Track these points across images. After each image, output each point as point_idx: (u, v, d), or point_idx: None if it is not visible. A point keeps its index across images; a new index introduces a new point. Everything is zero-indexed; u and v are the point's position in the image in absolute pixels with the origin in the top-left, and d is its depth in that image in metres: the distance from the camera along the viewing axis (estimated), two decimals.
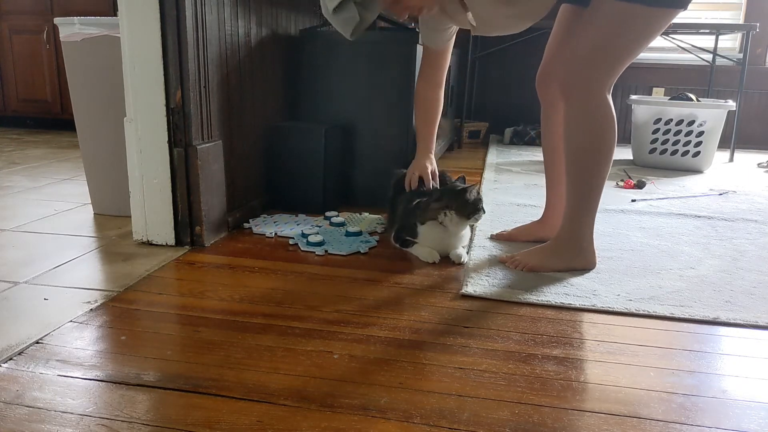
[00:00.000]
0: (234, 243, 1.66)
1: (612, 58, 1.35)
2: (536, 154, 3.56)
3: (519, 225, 1.80)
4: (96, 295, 1.28)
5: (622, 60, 1.36)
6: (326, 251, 1.60)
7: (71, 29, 1.78)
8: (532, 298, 1.31)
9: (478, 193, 1.57)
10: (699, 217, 2.09)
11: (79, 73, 1.82)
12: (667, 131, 3.09)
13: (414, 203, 1.60)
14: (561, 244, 1.49)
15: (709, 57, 3.94)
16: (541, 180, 2.71)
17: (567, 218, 1.48)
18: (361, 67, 2.06)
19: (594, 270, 1.50)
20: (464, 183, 1.61)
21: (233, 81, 1.76)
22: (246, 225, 1.81)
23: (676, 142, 3.09)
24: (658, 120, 3.09)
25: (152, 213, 1.60)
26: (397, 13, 1.38)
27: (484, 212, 1.58)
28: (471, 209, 1.54)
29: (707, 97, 3.83)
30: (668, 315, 1.25)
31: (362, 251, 1.61)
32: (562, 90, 1.42)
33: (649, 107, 3.11)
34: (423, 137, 1.76)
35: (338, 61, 2.08)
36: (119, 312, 1.20)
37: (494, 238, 1.75)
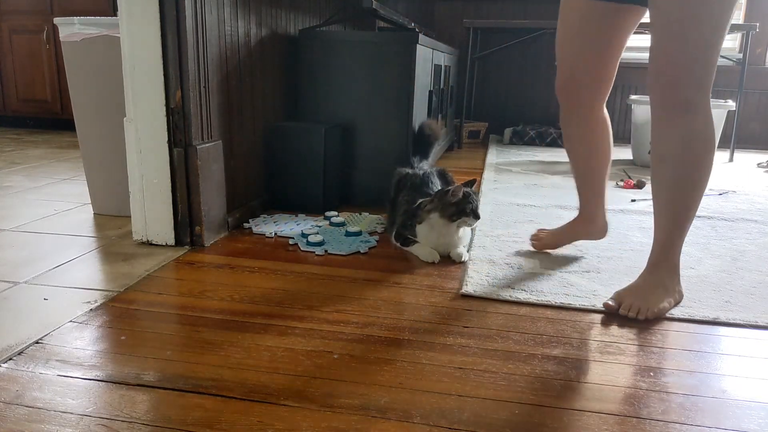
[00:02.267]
0: (234, 243, 1.66)
1: (713, 58, 1.16)
2: (536, 154, 3.56)
3: (544, 228, 1.70)
4: (96, 295, 1.28)
5: (717, 59, 1.17)
6: (326, 251, 1.60)
7: (71, 29, 1.78)
8: (532, 298, 1.31)
9: (466, 195, 1.51)
10: (699, 217, 2.09)
11: (79, 73, 1.82)
12: None
13: (416, 204, 1.60)
14: (664, 276, 1.29)
15: None
16: (541, 180, 2.73)
17: (665, 248, 1.28)
18: (361, 67, 2.06)
19: (594, 270, 1.50)
20: (471, 186, 1.56)
21: (233, 81, 1.76)
22: (246, 225, 1.81)
23: None
24: None
25: (152, 213, 1.60)
26: None
27: (477, 218, 1.52)
28: (453, 211, 1.50)
29: None
30: (668, 315, 1.25)
31: (362, 251, 1.61)
32: (668, 108, 1.21)
33: (649, 107, 3.11)
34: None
35: (338, 61, 2.08)
36: (119, 312, 1.20)
37: (537, 246, 1.65)
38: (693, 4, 1.11)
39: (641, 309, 1.24)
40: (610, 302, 1.27)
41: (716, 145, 1.22)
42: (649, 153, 3.11)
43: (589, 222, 1.60)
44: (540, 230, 1.69)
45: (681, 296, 1.31)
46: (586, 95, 1.41)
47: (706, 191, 2.53)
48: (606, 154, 1.51)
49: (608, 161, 1.53)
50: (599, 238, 1.63)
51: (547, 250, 1.65)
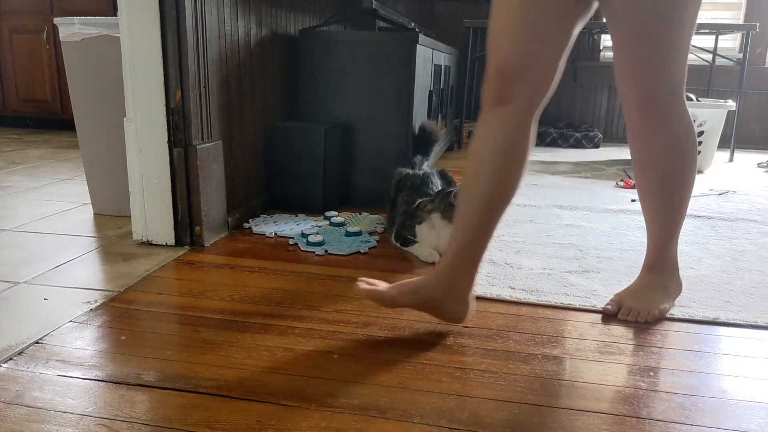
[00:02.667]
0: (234, 243, 1.66)
1: (685, 60, 1.10)
2: (536, 154, 3.56)
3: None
4: (96, 295, 1.28)
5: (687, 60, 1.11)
6: (326, 251, 1.60)
7: (71, 29, 1.78)
8: (532, 298, 1.31)
9: None
10: (699, 217, 2.09)
11: (79, 73, 1.82)
12: None
13: (415, 204, 1.60)
14: (663, 275, 1.26)
15: (709, 57, 3.94)
16: (541, 180, 2.73)
17: (662, 248, 1.24)
18: (361, 67, 2.06)
19: (594, 270, 1.50)
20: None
21: (233, 81, 1.76)
22: (246, 225, 1.81)
23: None
24: None
25: (152, 213, 1.60)
26: None
27: None
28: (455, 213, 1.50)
29: (707, 97, 3.83)
30: (668, 315, 1.25)
31: (362, 251, 1.61)
32: (647, 118, 1.12)
33: None
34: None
35: (338, 61, 2.08)
36: (119, 312, 1.20)
37: (363, 290, 1.14)
38: (664, 6, 1.03)
39: (641, 312, 1.22)
40: (609, 306, 1.26)
41: (697, 141, 1.18)
42: None
43: (449, 290, 1.12)
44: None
45: (680, 288, 1.30)
46: (526, 90, 1.07)
47: (707, 191, 2.54)
48: (514, 188, 1.10)
49: (509, 201, 1.11)
50: (454, 321, 1.16)
51: (378, 303, 1.15)
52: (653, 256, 1.26)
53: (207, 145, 1.61)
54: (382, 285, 1.15)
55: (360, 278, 1.17)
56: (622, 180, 2.71)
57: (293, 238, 1.69)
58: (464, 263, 1.12)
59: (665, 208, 1.20)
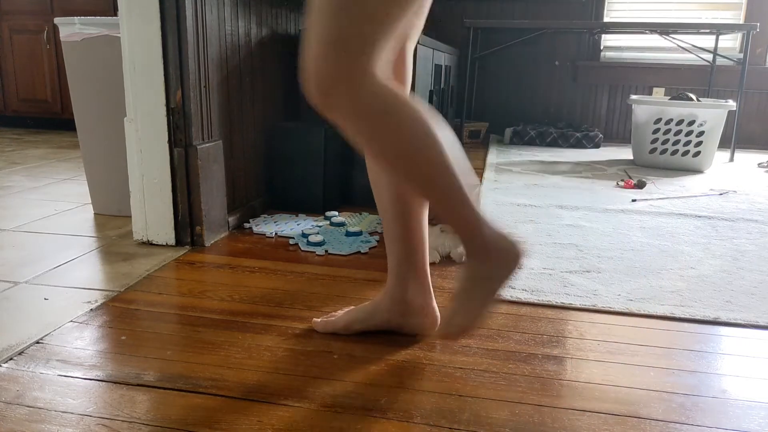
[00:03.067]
0: (234, 243, 1.66)
1: (358, 14, 0.77)
2: (536, 154, 3.56)
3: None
4: (96, 295, 1.28)
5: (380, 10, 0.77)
6: (326, 251, 1.60)
7: (71, 29, 1.78)
8: (533, 298, 1.31)
9: None
10: (699, 217, 2.09)
11: (79, 73, 1.82)
12: (667, 131, 3.09)
13: None
14: (477, 265, 0.94)
15: (709, 57, 3.94)
16: (542, 180, 2.73)
17: (458, 230, 0.91)
18: None
19: (595, 270, 1.50)
20: None
21: (233, 81, 1.76)
22: (246, 225, 1.81)
23: (676, 142, 3.09)
24: (658, 120, 3.09)
25: (152, 213, 1.60)
26: None
27: None
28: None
29: (707, 97, 3.83)
30: (668, 315, 1.25)
31: (363, 251, 1.61)
32: (318, 95, 0.80)
33: (649, 107, 3.11)
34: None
35: None
36: (119, 312, 1.20)
37: (318, 325, 1.14)
38: None
39: (466, 326, 0.95)
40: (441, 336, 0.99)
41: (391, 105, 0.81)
42: (649, 152, 3.12)
43: (404, 308, 1.09)
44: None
45: (514, 254, 0.92)
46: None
47: (707, 191, 2.54)
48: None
49: (419, 204, 1.06)
50: (421, 333, 1.12)
51: (334, 331, 1.12)
52: (463, 243, 0.93)
53: (207, 145, 1.61)
54: (338, 313, 1.16)
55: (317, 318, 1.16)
56: (622, 180, 2.71)
57: (293, 238, 1.69)
58: (408, 277, 1.08)
59: (413, 189, 0.90)
